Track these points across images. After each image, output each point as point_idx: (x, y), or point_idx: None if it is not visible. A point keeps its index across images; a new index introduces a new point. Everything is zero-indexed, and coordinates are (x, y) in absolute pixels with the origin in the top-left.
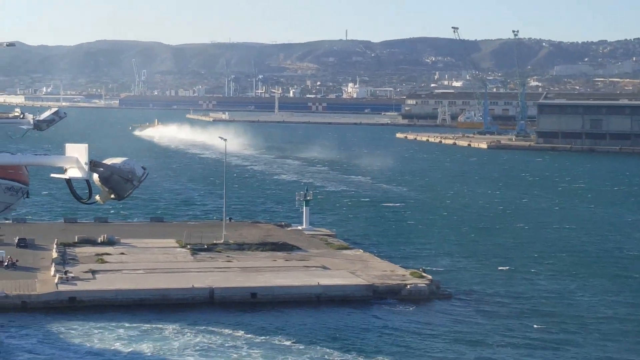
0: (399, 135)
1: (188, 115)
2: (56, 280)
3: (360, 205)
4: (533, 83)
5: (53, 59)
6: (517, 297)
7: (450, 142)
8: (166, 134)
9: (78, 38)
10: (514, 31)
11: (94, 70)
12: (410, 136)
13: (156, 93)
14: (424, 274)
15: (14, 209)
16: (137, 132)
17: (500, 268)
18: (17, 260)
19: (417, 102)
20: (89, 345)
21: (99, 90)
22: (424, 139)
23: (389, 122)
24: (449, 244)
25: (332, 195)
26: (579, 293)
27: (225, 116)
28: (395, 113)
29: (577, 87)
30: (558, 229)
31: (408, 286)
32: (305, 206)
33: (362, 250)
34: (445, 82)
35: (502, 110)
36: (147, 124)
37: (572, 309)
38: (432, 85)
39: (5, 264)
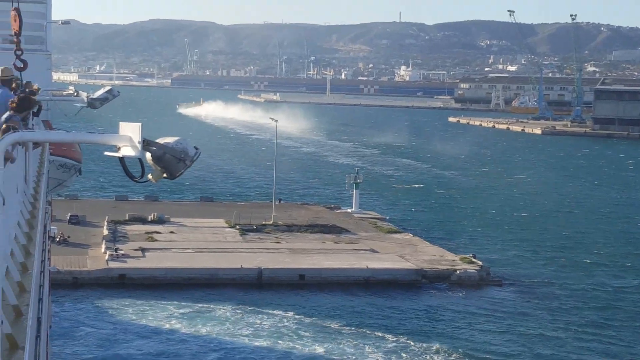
0: (451, 119)
1: (239, 96)
2: (107, 257)
3: (412, 190)
4: (590, 68)
5: (107, 37)
6: (570, 287)
7: (504, 127)
8: (213, 112)
9: (132, 17)
10: (571, 15)
11: (146, 49)
12: (463, 120)
13: (208, 73)
14: (474, 260)
15: (67, 186)
16: (182, 110)
17: (554, 257)
18: (68, 237)
19: (470, 86)
20: (143, 322)
21: (151, 69)
22: (477, 123)
23: (441, 105)
24: (502, 231)
25: (384, 179)
26: (636, 286)
27: (276, 97)
28: (448, 97)
29: (636, 73)
30: (616, 219)
31: (458, 271)
32: (355, 189)
33: (411, 235)
34: (500, 66)
35: (557, 96)
36: (194, 102)
37: (628, 302)
38: (486, 69)
39: (57, 239)
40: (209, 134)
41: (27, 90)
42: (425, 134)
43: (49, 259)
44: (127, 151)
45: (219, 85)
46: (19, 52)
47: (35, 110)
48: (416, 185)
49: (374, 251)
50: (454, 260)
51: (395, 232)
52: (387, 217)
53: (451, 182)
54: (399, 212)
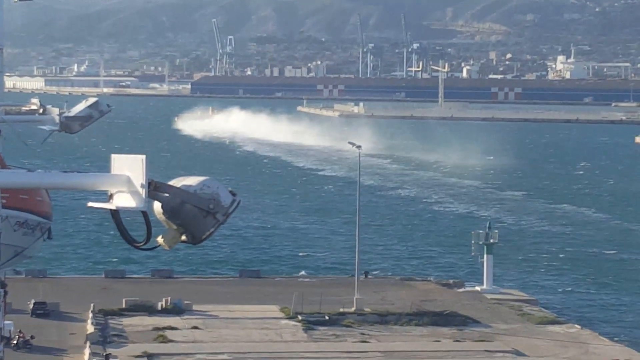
0: None
1: (300, 108)
2: None
3: (577, 254)
4: None
5: (89, 20)
6: None
7: None
8: (228, 127)
9: None
10: None
11: (152, 38)
12: None
13: (249, 73)
14: None
15: (28, 257)
16: (183, 126)
17: None
18: (32, 337)
19: None
20: None
21: (160, 68)
22: None
23: (623, 118)
24: None
25: (530, 237)
26: None
27: (358, 109)
28: (635, 104)
29: None
30: None
31: None
32: (488, 254)
33: (579, 326)
34: None
35: None
36: (199, 112)
37: None
38: None
39: (15, 342)
40: (238, 167)
41: None
42: (598, 162)
43: None
44: (123, 201)
45: (268, 91)
46: None
47: None
48: (588, 250)
49: (518, 354)
50: None
51: (553, 322)
52: (539, 299)
53: None
54: (557, 292)
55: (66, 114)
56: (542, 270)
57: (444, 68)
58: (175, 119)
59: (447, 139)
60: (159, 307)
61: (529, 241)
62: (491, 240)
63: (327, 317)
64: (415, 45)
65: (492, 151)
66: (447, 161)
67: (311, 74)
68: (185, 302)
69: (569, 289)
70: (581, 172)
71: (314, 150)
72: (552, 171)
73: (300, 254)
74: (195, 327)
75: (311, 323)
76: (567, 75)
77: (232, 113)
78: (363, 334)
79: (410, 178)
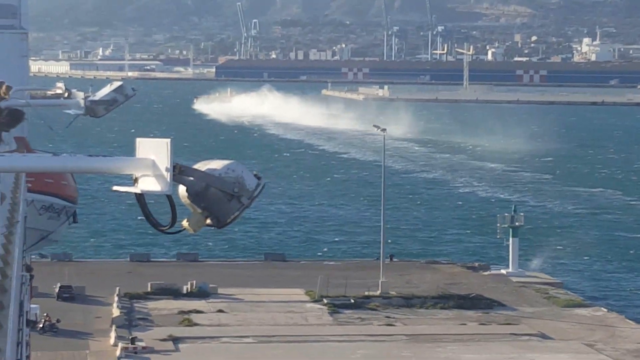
0: None
1: (325, 91)
2: (118, 353)
3: (604, 237)
4: None
5: (114, 3)
6: None
7: None
8: (250, 110)
9: None
10: None
11: (177, 21)
12: None
13: (274, 56)
14: None
15: (54, 240)
16: (201, 107)
17: None
18: (58, 320)
19: None
20: None
21: (184, 51)
22: None
23: None
24: None
25: (556, 220)
26: None
27: (383, 92)
28: None
29: None
30: None
31: None
32: (513, 237)
33: (605, 310)
34: None
35: None
36: (217, 94)
37: None
38: None
39: (41, 326)
40: (259, 150)
41: None
42: (624, 146)
43: (28, 358)
44: (148, 184)
45: (293, 74)
46: None
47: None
48: (615, 233)
49: (544, 337)
50: None
51: (579, 305)
52: (565, 282)
53: None
54: (584, 274)
55: (91, 98)
56: (569, 253)
57: (469, 51)
58: (195, 100)
59: (484, 122)
60: (185, 291)
61: (555, 224)
62: (517, 223)
63: (352, 301)
64: (440, 28)
65: (516, 135)
66: (482, 144)
67: (336, 57)
68: (211, 285)
69: (596, 272)
70: (613, 157)
71: (346, 134)
72: (579, 154)
73: (326, 237)
74: (221, 311)
75: (336, 306)
76: (593, 58)
77: (262, 95)
78: (388, 317)
79: (439, 161)
